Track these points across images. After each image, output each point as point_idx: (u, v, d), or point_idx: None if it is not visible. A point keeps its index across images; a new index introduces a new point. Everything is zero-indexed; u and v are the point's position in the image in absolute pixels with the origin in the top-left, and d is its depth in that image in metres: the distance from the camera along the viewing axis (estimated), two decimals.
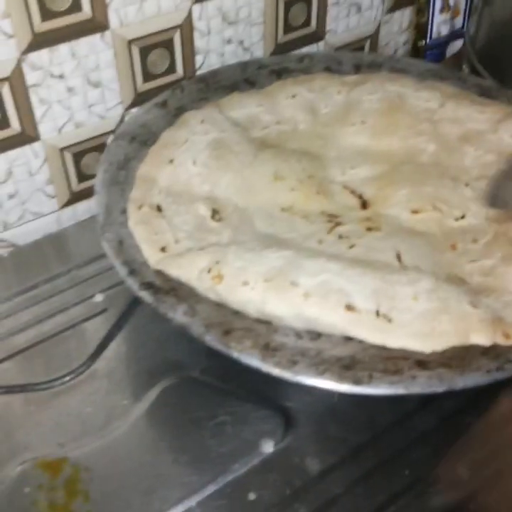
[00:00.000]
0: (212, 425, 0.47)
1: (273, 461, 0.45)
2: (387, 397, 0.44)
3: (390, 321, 0.42)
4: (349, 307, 0.42)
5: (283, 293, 0.43)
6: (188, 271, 0.45)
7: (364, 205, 0.56)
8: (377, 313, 0.42)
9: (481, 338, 0.41)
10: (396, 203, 0.55)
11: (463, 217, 0.53)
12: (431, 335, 0.41)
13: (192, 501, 0.43)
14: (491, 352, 0.41)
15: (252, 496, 0.44)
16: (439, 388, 0.40)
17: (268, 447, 0.46)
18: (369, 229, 0.52)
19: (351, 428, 0.47)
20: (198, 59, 0.67)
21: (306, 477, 0.44)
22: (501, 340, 0.41)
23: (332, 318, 0.42)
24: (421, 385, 0.40)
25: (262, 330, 0.43)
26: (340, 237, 0.52)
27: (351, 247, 0.50)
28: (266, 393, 0.48)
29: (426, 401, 0.47)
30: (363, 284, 0.43)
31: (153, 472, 0.45)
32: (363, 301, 0.43)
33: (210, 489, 0.44)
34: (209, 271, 0.45)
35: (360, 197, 0.56)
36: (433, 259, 0.49)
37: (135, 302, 0.54)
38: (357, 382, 0.40)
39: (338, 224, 0.53)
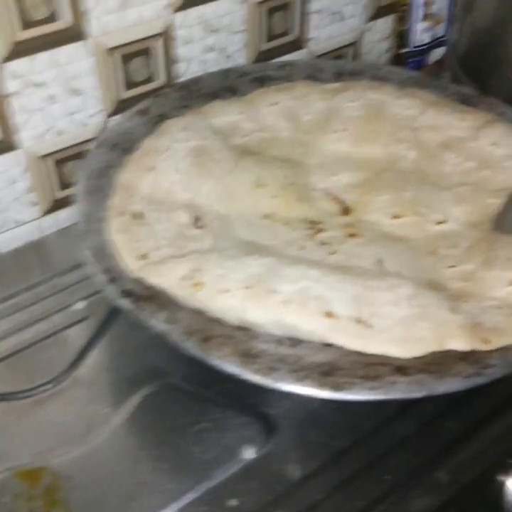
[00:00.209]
0: (193, 432, 0.47)
1: (254, 468, 0.45)
2: (367, 402, 0.44)
3: (369, 327, 0.42)
4: (329, 314, 0.43)
5: (263, 300, 0.43)
6: (169, 278, 0.45)
7: (345, 211, 0.56)
8: (357, 320, 0.43)
9: (460, 343, 0.42)
10: (377, 209, 0.55)
11: (443, 222, 0.53)
12: (410, 341, 0.42)
13: (172, 509, 0.43)
14: (470, 357, 0.42)
15: (232, 503, 0.43)
16: (419, 394, 0.40)
17: (249, 454, 0.46)
18: (350, 235, 0.53)
19: (332, 434, 0.47)
20: (180, 67, 0.67)
21: (287, 483, 0.44)
22: (480, 346, 0.42)
23: (312, 325, 0.43)
24: (401, 390, 0.40)
25: (242, 337, 0.43)
26: (322, 243, 0.52)
27: (333, 253, 0.51)
28: (247, 400, 0.48)
29: (406, 406, 0.48)
30: (343, 291, 0.44)
31: (133, 480, 0.45)
32: (343, 307, 0.43)
33: (191, 496, 0.44)
34: (189, 278, 0.45)
35: (341, 203, 0.57)
36: (414, 265, 0.50)
37: (116, 310, 0.53)
38: (337, 388, 0.40)
39: (319, 230, 0.53)
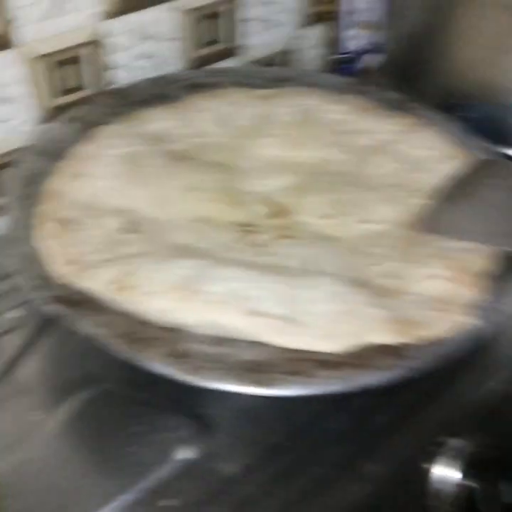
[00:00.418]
0: (128, 435, 0.47)
1: (189, 467, 0.45)
2: (299, 398, 0.45)
3: (294, 324, 0.43)
4: (254, 312, 0.43)
5: (190, 301, 0.44)
6: (96, 282, 0.46)
7: (277, 213, 0.57)
8: (281, 317, 0.44)
9: (381, 337, 0.43)
10: (307, 210, 0.56)
11: (370, 221, 0.55)
12: (333, 336, 0.43)
13: (107, 511, 0.43)
14: (392, 351, 0.43)
15: (167, 503, 0.44)
16: (340, 387, 0.41)
17: (184, 454, 0.46)
18: (280, 237, 0.54)
19: (267, 430, 0.48)
20: (111, 74, 0.68)
21: (222, 481, 0.45)
22: (399, 339, 0.43)
23: (238, 324, 0.43)
24: (323, 384, 0.41)
25: (170, 337, 0.44)
26: (253, 245, 0.53)
27: (263, 255, 0.52)
28: (182, 401, 0.48)
29: (339, 401, 0.48)
30: (268, 289, 0.45)
31: (68, 485, 0.45)
32: (269, 306, 0.44)
33: (126, 498, 0.44)
34: (117, 282, 0.45)
35: (273, 206, 0.58)
36: (340, 264, 0.51)
37: (49, 318, 0.53)
38: (261, 384, 0.41)
39: (251, 233, 0.54)
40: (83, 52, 0.64)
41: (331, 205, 0.56)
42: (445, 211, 0.50)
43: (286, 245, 0.53)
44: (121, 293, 0.44)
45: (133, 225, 0.53)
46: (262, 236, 0.54)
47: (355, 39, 0.83)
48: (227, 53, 0.76)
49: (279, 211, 0.57)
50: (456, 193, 0.50)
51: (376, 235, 0.54)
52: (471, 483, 0.48)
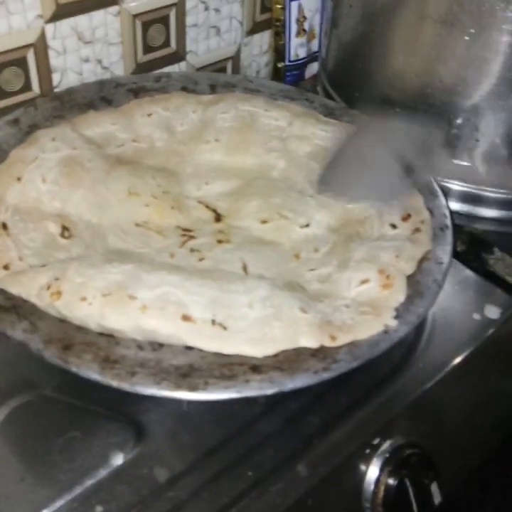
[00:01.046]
0: (61, 441, 0.47)
1: (122, 473, 0.45)
2: (232, 402, 0.46)
3: (225, 329, 0.44)
4: (186, 317, 0.44)
5: (121, 307, 0.44)
6: (28, 288, 0.45)
7: (218, 218, 0.58)
8: (213, 322, 0.44)
9: (309, 341, 0.44)
10: (247, 215, 0.57)
11: (307, 225, 0.56)
12: (263, 340, 0.44)
13: None
14: (320, 354, 0.44)
15: (99, 509, 0.44)
16: (270, 390, 0.42)
17: (117, 459, 0.46)
18: (220, 241, 0.54)
19: (201, 435, 0.48)
20: (55, 77, 0.67)
21: (154, 486, 0.45)
22: (328, 343, 0.44)
23: (170, 329, 0.44)
24: (253, 388, 0.42)
25: (104, 343, 0.44)
26: (192, 250, 0.53)
27: (201, 260, 0.52)
28: (118, 408, 0.48)
29: (272, 405, 0.49)
30: (200, 295, 0.45)
31: (1, 491, 0.44)
32: (200, 311, 0.44)
33: (57, 505, 0.43)
34: (48, 288, 0.45)
35: (214, 211, 0.58)
36: (277, 269, 0.52)
37: None
38: (192, 388, 0.42)
39: (191, 238, 0.55)
40: (24, 55, 0.64)
41: (270, 210, 0.57)
42: (336, 172, 0.57)
43: (224, 251, 0.53)
44: (53, 298, 0.44)
45: (71, 230, 0.53)
46: (201, 241, 0.55)
47: (300, 47, 0.84)
48: (174, 59, 0.76)
49: (219, 216, 0.58)
50: (345, 155, 0.57)
51: (313, 240, 0.55)
52: (404, 485, 0.49)
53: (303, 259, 0.53)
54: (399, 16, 0.61)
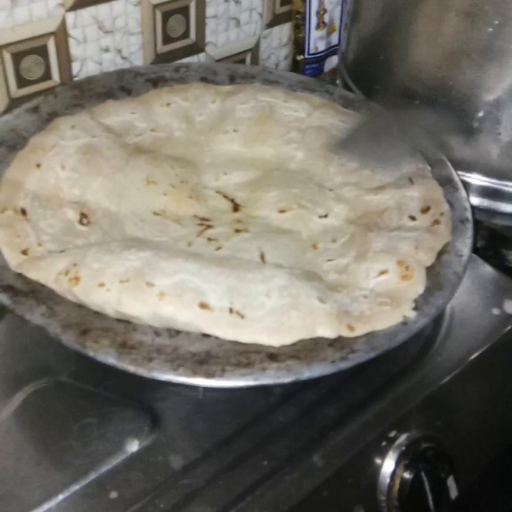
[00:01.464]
0: (77, 427, 0.47)
1: (136, 460, 0.45)
2: (249, 391, 0.46)
3: (242, 317, 0.44)
4: (203, 305, 0.44)
5: (138, 293, 0.44)
6: (47, 274, 0.45)
7: (236, 208, 0.58)
8: (231, 310, 0.44)
9: (327, 331, 0.44)
10: (265, 205, 0.57)
11: (326, 216, 0.56)
12: (280, 330, 0.44)
13: (52, 503, 0.43)
14: (338, 343, 0.44)
15: (113, 495, 0.44)
16: (287, 379, 0.42)
17: (132, 446, 0.46)
18: (237, 231, 0.54)
19: (216, 423, 0.48)
20: (75, 66, 0.67)
21: (169, 473, 0.45)
22: (346, 333, 0.44)
23: (187, 317, 0.44)
24: (270, 376, 0.42)
25: (121, 329, 0.44)
26: (209, 239, 0.53)
27: (218, 248, 0.52)
28: (134, 394, 0.49)
29: (288, 395, 0.49)
30: (218, 283, 0.45)
31: (14, 476, 0.44)
32: (217, 299, 0.44)
33: (72, 490, 0.44)
34: (66, 273, 0.45)
35: (232, 201, 0.58)
36: (295, 258, 0.52)
37: (2, 309, 0.53)
38: (209, 375, 0.41)
39: (208, 227, 0.55)
40: (45, 43, 0.64)
41: (288, 200, 0.57)
42: (352, 140, 0.61)
43: (242, 239, 0.53)
44: (71, 284, 0.44)
45: (89, 217, 0.53)
46: (218, 230, 0.54)
47: (320, 40, 0.83)
48: (194, 50, 0.76)
49: (237, 206, 0.58)
50: (361, 130, 0.62)
51: (331, 231, 0.55)
52: (420, 478, 0.48)
53: (320, 249, 0.53)
54: (422, 8, 0.61)
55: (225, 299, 0.44)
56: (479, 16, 0.56)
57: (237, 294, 0.45)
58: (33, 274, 0.46)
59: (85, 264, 0.45)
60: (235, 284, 0.45)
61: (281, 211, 0.56)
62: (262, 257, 0.51)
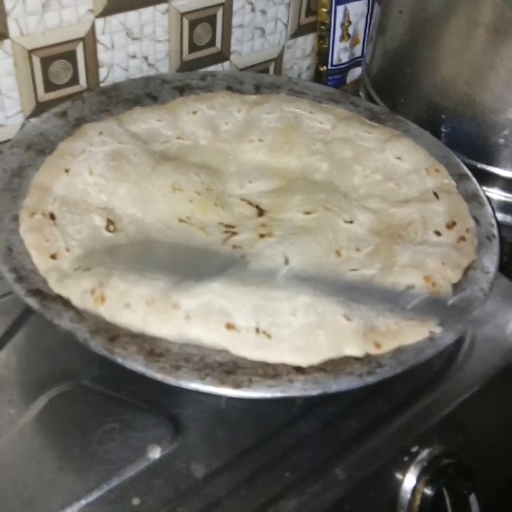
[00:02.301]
0: (100, 432, 0.47)
1: (159, 467, 0.45)
2: (271, 402, 0.46)
3: (269, 337, 0.44)
4: (229, 326, 0.44)
5: (164, 316, 0.44)
6: (73, 291, 0.45)
7: (260, 213, 0.58)
8: (257, 330, 0.44)
9: (354, 349, 0.44)
10: (290, 208, 0.57)
11: (351, 222, 0.56)
12: (307, 349, 0.43)
13: (74, 508, 0.43)
14: (365, 357, 0.44)
15: (136, 501, 0.44)
16: (314, 391, 0.42)
17: (155, 453, 0.46)
18: (262, 235, 0.54)
19: (238, 433, 0.48)
20: (102, 72, 0.68)
21: (191, 481, 0.45)
22: (373, 350, 0.44)
23: (213, 338, 0.44)
24: (297, 388, 0.42)
25: (149, 336, 0.44)
26: (234, 247, 0.53)
27: (243, 257, 0.52)
28: (156, 401, 0.49)
29: (310, 407, 0.49)
30: (244, 303, 0.45)
31: (37, 480, 0.44)
32: (243, 319, 0.44)
33: (94, 495, 0.44)
34: (92, 292, 0.45)
35: (256, 207, 0.58)
36: (319, 263, 0.52)
37: (27, 311, 0.53)
38: (237, 386, 0.41)
39: (233, 234, 0.55)
40: (74, 48, 0.64)
41: (314, 203, 0.57)
42: None
43: (266, 245, 0.53)
44: (96, 303, 0.44)
45: (116, 223, 0.53)
46: (243, 237, 0.54)
47: (343, 52, 0.84)
48: (219, 58, 0.76)
49: (261, 211, 0.58)
50: None
51: (355, 238, 0.55)
52: (441, 494, 0.48)
53: (344, 257, 0.53)
54: (450, 23, 0.61)
55: (251, 318, 0.44)
56: (508, 32, 0.57)
57: (263, 313, 0.45)
58: (58, 290, 0.46)
59: (111, 284, 0.45)
60: (260, 303, 0.45)
61: (307, 213, 0.56)
62: (287, 261, 0.51)
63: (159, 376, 0.42)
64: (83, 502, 0.43)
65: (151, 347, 0.43)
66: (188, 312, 0.44)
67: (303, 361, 0.43)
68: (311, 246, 0.53)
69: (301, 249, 0.52)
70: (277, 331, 0.44)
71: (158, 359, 0.42)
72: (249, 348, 0.44)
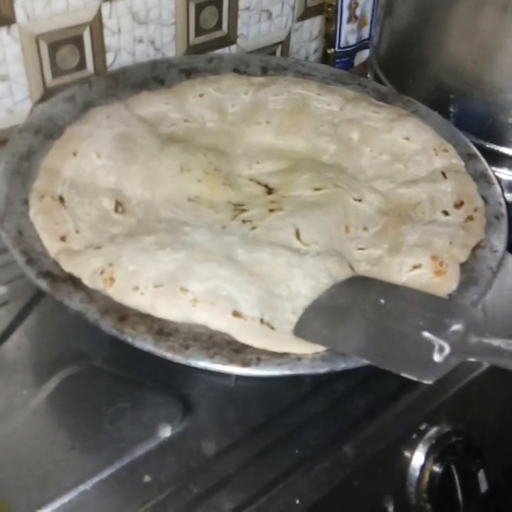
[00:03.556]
0: (111, 412, 0.47)
1: (170, 445, 0.46)
2: (280, 381, 0.46)
3: (273, 328, 0.44)
4: (236, 313, 0.44)
5: (172, 299, 0.44)
6: (83, 270, 0.46)
7: (269, 191, 0.58)
8: (262, 321, 0.44)
9: None
10: (299, 185, 0.57)
11: (360, 200, 0.56)
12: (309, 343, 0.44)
13: (87, 485, 0.44)
14: None
15: (147, 479, 0.44)
16: (322, 369, 0.42)
17: (165, 432, 0.47)
18: (271, 210, 0.54)
19: (247, 412, 0.48)
20: (109, 57, 0.68)
21: (202, 459, 0.46)
22: None
23: (220, 324, 0.44)
24: (305, 366, 0.42)
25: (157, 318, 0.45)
26: (244, 221, 0.54)
27: (253, 228, 0.52)
28: (166, 381, 0.49)
29: (319, 385, 0.50)
30: (250, 293, 0.45)
31: (50, 459, 0.45)
32: (249, 308, 0.45)
33: (106, 473, 0.44)
34: (102, 273, 0.45)
35: (265, 186, 0.58)
36: (329, 235, 0.52)
37: (38, 294, 0.54)
38: (245, 364, 0.42)
39: (243, 211, 0.55)
40: (80, 33, 0.64)
41: (323, 180, 0.57)
42: (313, 319, 0.46)
43: (276, 218, 0.53)
44: (106, 284, 0.45)
45: (124, 205, 0.53)
46: (253, 212, 0.55)
47: (351, 34, 0.83)
48: (225, 42, 0.76)
49: (270, 190, 0.58)
50: (327, 303, 0.48)
51: (363, 217, 0.55)
52: (450, 471, 0.49)
53: (352, 235, 0.53)
54: (458, 2, 0.60)
55: (256, 309, 0.45)
56: None
57: (267, 307, 0.45)
58: (68, 268, 0.46)
59: (120, 265, 0.46)
60: (264, 296, 0.46)
61: (317, 189, 0.56)
62: (297, 234, 0.51)
63: (168, 355, 0.42)
64: (95, 479, 0.44)
65: (160, 326, 0.44)
66: (195, 297, 0.45)
67: (307, 350, 0.44)
68: (321, 218, 0.53)
69: (311, 221, 0.52)
70: (280, 325, 0.45)
71: (167, 338, 0.43)
72: (253, 337, 0.44)
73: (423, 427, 0.49)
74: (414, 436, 0.49)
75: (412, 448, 0.49)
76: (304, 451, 0.46)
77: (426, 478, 0.48)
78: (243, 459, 0.46)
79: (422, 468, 0.48)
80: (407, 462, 0.49)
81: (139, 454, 0.45)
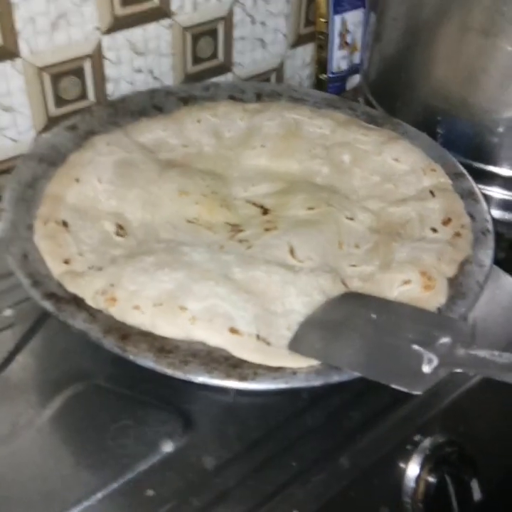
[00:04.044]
0: (114, 429, 0.49)
1: (171, 460, 0.47)
2: (277, 395, 0.47)
3: (268, 344, 0.46)
4: (233, 330, 0.46)
5: (171, 318, 0.46)
6: (85, 291, 0.48)
7: (265, 212, 0.60)
8: (258, 337, 0.46)
9: None
10: (294, 205, 0.59)
11: (352, 219, 0.58)
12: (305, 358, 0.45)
13: (92, 500, 0.45)
14: None
15: (150, 493, 0.45)
16: (316, 382, 0.44)
17: (167, 447, 0.48)
18: (267, 229, 0.56)
19: (246, 426, 0.50)
20: (109, 86, 0.71)
21: (202, 473, 0.47)
22: None
23: (218, 340, 0.46)
24: (300, 379, 0.44)
25: (157, 335, 0.46)
26: (240, 241, 0.55)
27: (249, 247, 0.54)
28: (168, 398, 0.50)
29: (315, 399, 0.51)
30: (246, 310, 0.47)
31: (55, 475, 0.46)
32: (246, 325, 0.46)
33: (110, 488, 0.45)
34: (104, 293, 0.47)
35: (261, 207, 0.60)
36: (323, 252, 0.54)
37: (43, 316, 0.55)
38: (243, 378, 0.43)
39: (239, 231, 0.57)
40: (82, 65, 0.67)
41: (317, 200, 0.59)
42: (308, 334, 0.48)
43: (272, 237, 0.55)
44: (107, 304, 0.47)
45: (125, 228, 0.55)
46: (249, 232, 0.56)
47: (342, 59, 0.86)
48: (222, 70, 0.79)
49: (266, 210, 0.60)
50: (321, 318, 0.49)
51: (355, 235, 0.57)
52: (444, 481, 0.50)
53: (345, 252, 0.55)
54: (442, 28, 0.63)
55: (252, 326, 0.46)
56: (498, 36, 0.59)
57: (263, 323, 0.47)
58: (72, 289, 0.48)
59: (121, 285, 0.47)
60: (260, 313, 0.47)
61: (310, 208, 0.58)
62: (292, 251, 0.53)
63: (169, 371, 0.44)
64: (100, 495, 0.45)
65: (161, 344, 0.45)
66: (194, 315, 0.46)
67: (302, 364, 0.45)
68: (315, 235, 0.55)
69: (305, 239, 0.54)
70: (276, 341, 0.46)
71: (167, 355, 0.45)
72: (250, 352, 0.46)
73: (417, 438, 0.50)
74: (409, 447, 0.50)
75: (407, 459, 0.50)
76: (301, 463, 0.47)
77: (421, 488, 0.49)
78: (242, 472, 0.47)
79: (417, 478, 0.49)
80: (402, 473, 0.50)
81: (142, 469, 0.47)
